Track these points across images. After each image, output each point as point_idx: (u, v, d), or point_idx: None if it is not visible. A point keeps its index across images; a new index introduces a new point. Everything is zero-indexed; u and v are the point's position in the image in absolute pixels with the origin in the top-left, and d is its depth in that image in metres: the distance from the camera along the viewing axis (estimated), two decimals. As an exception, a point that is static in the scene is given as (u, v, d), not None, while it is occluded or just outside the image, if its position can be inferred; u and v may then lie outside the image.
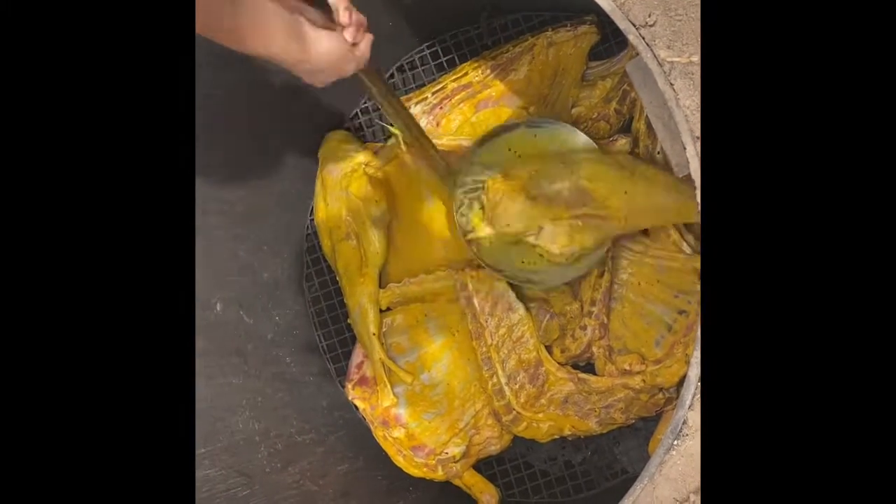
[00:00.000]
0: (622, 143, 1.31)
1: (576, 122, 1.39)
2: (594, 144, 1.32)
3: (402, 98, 1.45)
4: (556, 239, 1.32)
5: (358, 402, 1.44)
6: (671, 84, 0.91)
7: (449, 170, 1.33)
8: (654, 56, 0.92)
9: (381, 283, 1.44)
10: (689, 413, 0.90)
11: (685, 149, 0.90)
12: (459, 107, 1.43)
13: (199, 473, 1.20)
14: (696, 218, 1.24)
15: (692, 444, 0.90)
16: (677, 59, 0.91)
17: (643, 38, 0.92)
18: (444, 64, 1.52)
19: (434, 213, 1.41)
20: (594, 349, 1.34)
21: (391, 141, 1.42)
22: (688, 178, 0.98)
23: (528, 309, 1.36)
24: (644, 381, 1.29)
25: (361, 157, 1.44)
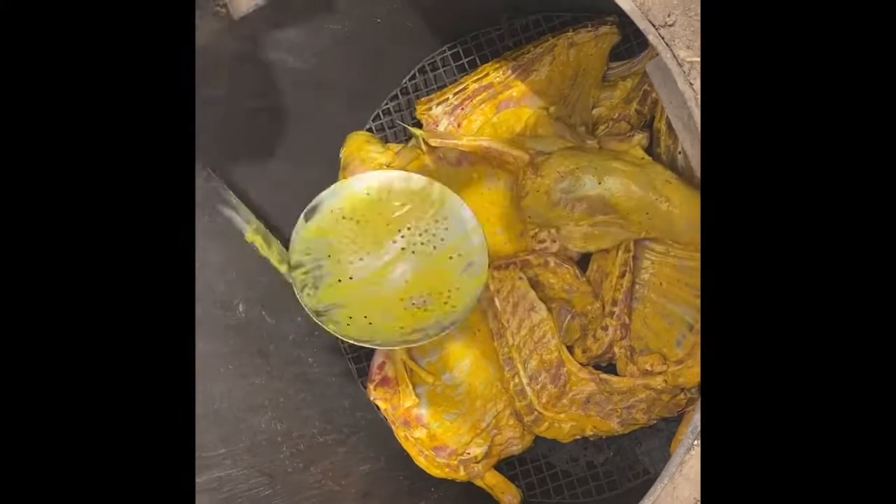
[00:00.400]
0: (639, 137, 1.31)
1: (596, 123, 1.39)
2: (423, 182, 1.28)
3: (424, 99, 1.46)
4: (572, 241, 1.33)
5: (380, 403, 1.44)
6: (690, 84, 0.91)
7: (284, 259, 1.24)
8: (674, 56, 0.92)
9: (403, 284, 1.44)
10: (709, 413, 0.90)
11: (704, 148, 0.90)
12: (481, 107, 1.43)
13: (221, 473, 1.21)
14: None
15: (712, 445, 0.90)
16: (697, 59, 0.91)
17: (662, 38, 0.92)
18: (466, 65, 1.53)
19: (455, 214, 1.42)
20: (616, 349, 1.34)
21: (412, 142, 1.42)
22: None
23: (549, 309, 1.36)
24: (666, 381, 1.29)
25: (383, 159, 1.44)
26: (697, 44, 0.91)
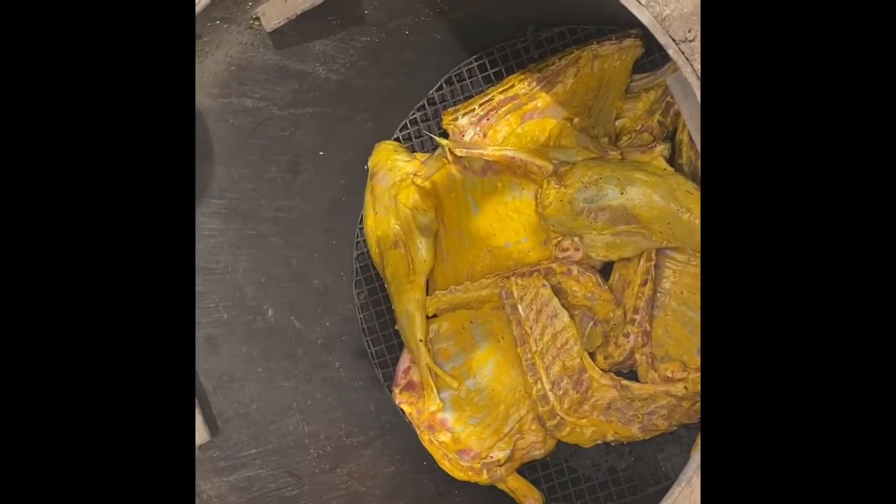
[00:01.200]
0: (661, 148, 1.32)
1: (619, 134, 1.41)
2: None
3: (450, 109, 1.48)
4: (594, 250, 1.34)
5: (405, 407, 1.46)
6: (710, 98, 0.93)
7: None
8: (694, 70, 0.94)
9: (428, 291, 1.47)
10: (726, 418, 0.91)
11: (723, 161, 0.92)
12: (506, 118, 1.45)
13: (251, 473, 1.24)
14: None
15: (729, 449, 0.91)
16: (716, 74, 0.93)
17: (683, 53, 0.94)
18: (492, 76, 1.55)
19: (480, 223, 1.44)
20: (637, 356, 1.35)
21: (438, 152, 1.44)
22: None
23: (572, 316, 1.37)
24: (686, 388, 1.30)
25: (410, 168, 1.46)
26: (717, 59, 0.93)
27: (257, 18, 1.16)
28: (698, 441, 1.32)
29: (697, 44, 0.94)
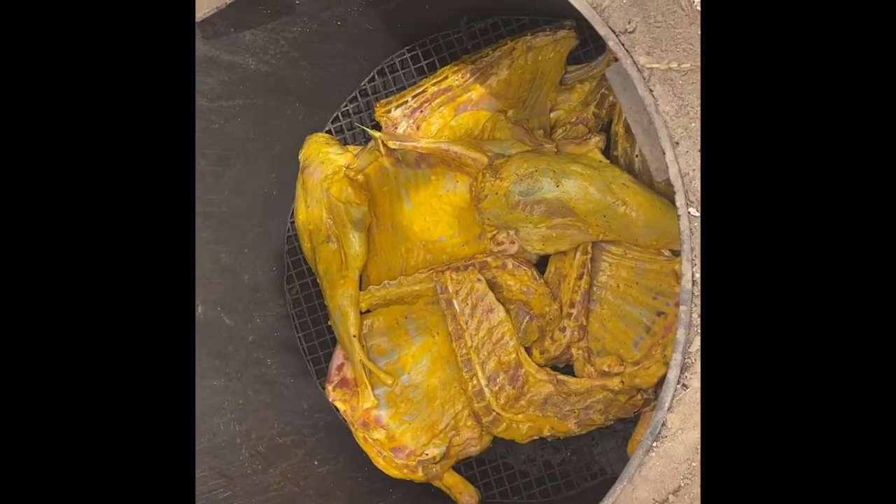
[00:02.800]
0: (595, 140, 1.32)
1: (554, 126, 1.40)
2: None
3: (383, 101, 1.47)
4: (530, 243, 1.34)
5: (338, 404, 1.44)
6: (650, 90, 0.92)
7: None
8: (634, 62, 0.93)
9: (362, 286, 1.45)
10: (668, 415, 0.91)
11: (664, 153, 0.91)
12: (439, 110, 1.44)
13: (181, 475, 1.21)
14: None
15: (671, 446, 0.91)
16: (656, 66, 0.92)
17: (623, 45, 0.94)
18: (425, 67, 1.53)
19: (413, 216, 1.42)
20: (573, 351, 1.35)
21: (371, 144, 1.43)
22: (667, 183, 0.99)
23: (507, 311, 1.36)
24: (622, 382, 1.30)
25: (342, 160, 1.44)
26: (657, 50, 0.93)
27: (185, 7, 1.13)
28: (635, 436, 1.33)
29: (637, 35, 0.93)
